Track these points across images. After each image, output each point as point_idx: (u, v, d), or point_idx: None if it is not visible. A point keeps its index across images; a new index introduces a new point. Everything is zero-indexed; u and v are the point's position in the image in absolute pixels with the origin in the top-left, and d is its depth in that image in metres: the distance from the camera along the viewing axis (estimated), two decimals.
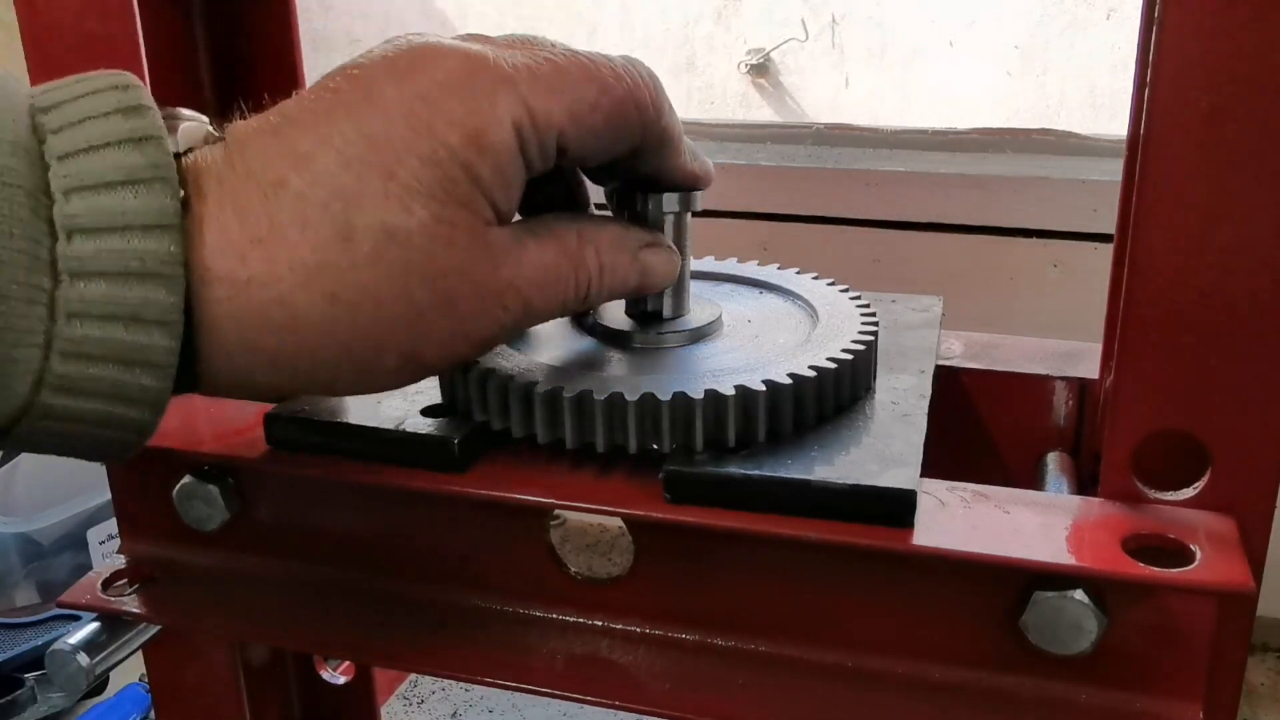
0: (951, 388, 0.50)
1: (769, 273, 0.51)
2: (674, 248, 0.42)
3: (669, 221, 0.43)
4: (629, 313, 0.45)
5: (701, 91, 1.34)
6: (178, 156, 0.33)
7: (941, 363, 0.49)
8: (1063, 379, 0.49)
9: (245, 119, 0.35)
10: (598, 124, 0.36)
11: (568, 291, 0.38)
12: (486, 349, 0.38)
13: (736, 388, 0.38)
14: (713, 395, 0.38)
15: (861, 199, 1.08)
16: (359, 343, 0.34)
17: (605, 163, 0.39)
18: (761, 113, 1.31)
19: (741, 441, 0.38)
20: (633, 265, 0.40)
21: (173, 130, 0.34)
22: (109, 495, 0.51)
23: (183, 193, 0.32)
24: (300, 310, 0.33)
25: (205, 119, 0.35)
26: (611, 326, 0.44)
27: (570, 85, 0.35)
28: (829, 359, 0.40)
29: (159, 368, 0.32)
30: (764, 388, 0.38)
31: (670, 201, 0.42)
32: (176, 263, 0.31)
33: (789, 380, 0.39)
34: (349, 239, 0.32)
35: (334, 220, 0.32)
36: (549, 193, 0.42)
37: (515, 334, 0.40)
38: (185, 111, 0.35)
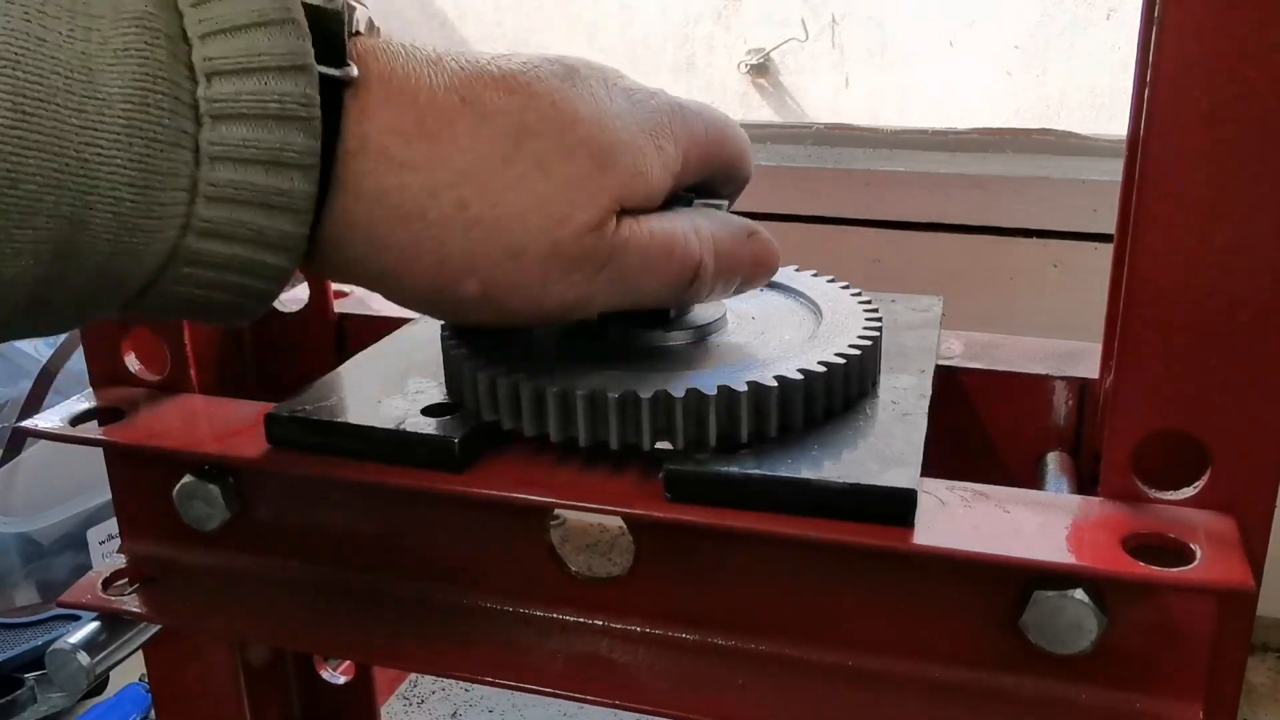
0: (951, 388, 0.50)
1: None
2: (770, 236, 0.43)
3: None
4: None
5: (701, 91, 1.34)
6: (354, 35, 0.34)
7: (941, 363, 0.49)
8: (1063, 379, 0.49)
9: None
10: (732, 166, 0.42)
11: (674, 270, 0.38)
12: (562, 315, 0.38)
13: (749, 383, 0.38)
14: (726, 391, 0.38)
15: (861, 199, 1.08)
16: (457, 257, 0.35)
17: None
18: (761, 113, 1.31)
19: (755, 437, 0.38)
20: (744, 248, 0.41)
21: (350, 8, 0.35)
22: (109, 495, 0.51)
23: (354, 67, 0.33)
24: (433, 212, 0.34)
25: (369, 10, 0.36)
26: (618, 326, 0.44)
27: (720, 135, 0.41)
28: (838, 354, 0.40)
29: (298, 213, 0.33)
30: (776, 384, 0.38)
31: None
32: (312, 104, 0.32)
33: (800, 376, 0.39)
34: (509, 159, 0.35)
35: (503, 143, 0.35)
36: None
37: (605, 303, 0.39)
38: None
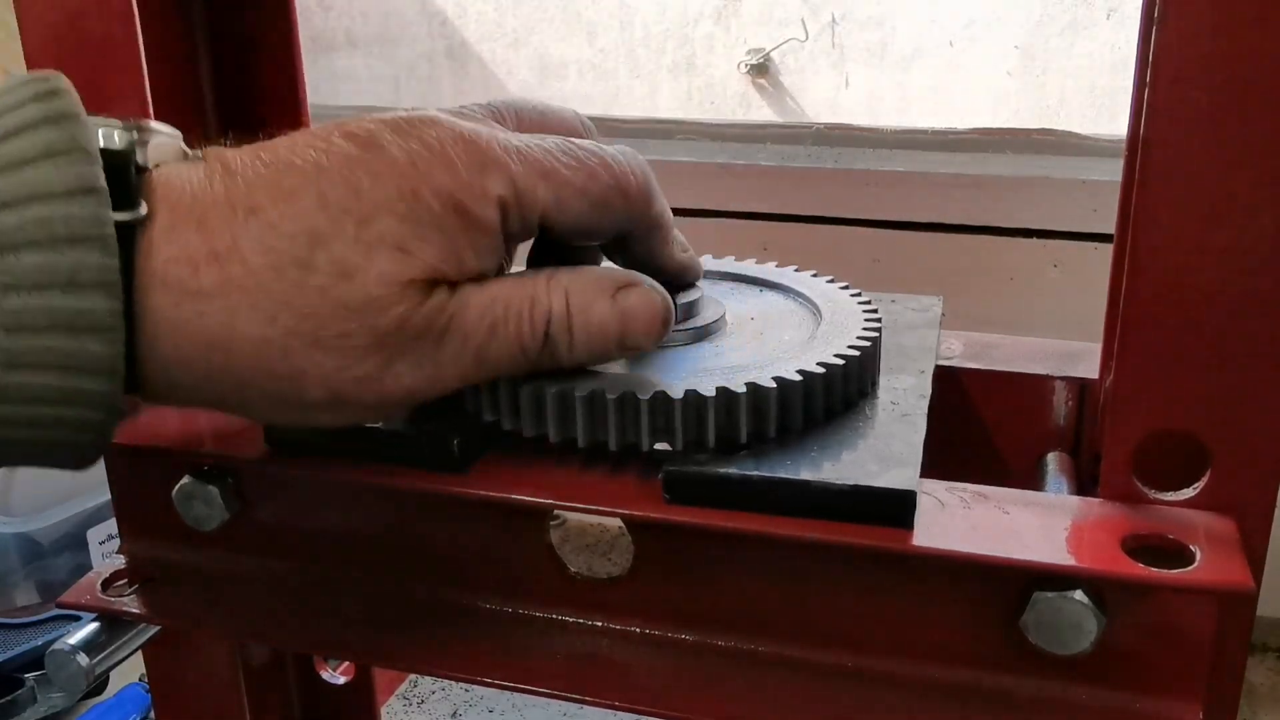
0: (951, 388, 0.50)
1: (769, 270, 0.51)
2: (660, 289, 0.39)
3: None
4: None
5: (701, 91, 1.34)
6: (143, 170, 0.34)
7: (941, 363, 0.49)
8: (1063, 379, 0.49)
9: (231, 147, 0.36)
10: (582, 208, 0.38)
11: (521, 331, 0.36)
12: (414, 400, 0.37)
13: (748, 385, 0.38)
14: (725, 393, 0.38)
15: (861, 199, 1.08)
16: (289, 372, 0.34)
17: (595, 241, 0.41)
18: (761, 113, 1.31)
19: (754, 438, 0.38)
20: (611, 308, 0.38)
21: (142, 144, 0.34)
22: (109, 495, 0.51)
23: (144, 205, 0.33)
24: (239, 332, 0.33)
25: (179, 133, 0.36)
26: None
27: (558, 170, 0.37)
28: (837, 355, 0.40)
29: (104, 331, 0.32)
30: (774, 385, 0.38)
31: None
32: (105, 224, 0.31)
33: (799, 377, 0.39)
34: (307, 269, 0.34)
35: (297, 251, 0.34)
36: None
37: (457, 378, 0.37)
38: (156, 124, 0.35)
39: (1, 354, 0.31)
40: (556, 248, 0.42)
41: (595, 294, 0.38)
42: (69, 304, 0.31)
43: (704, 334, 0.44)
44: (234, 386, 0.35)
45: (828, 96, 1.28)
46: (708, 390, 0.38)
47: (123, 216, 0.32)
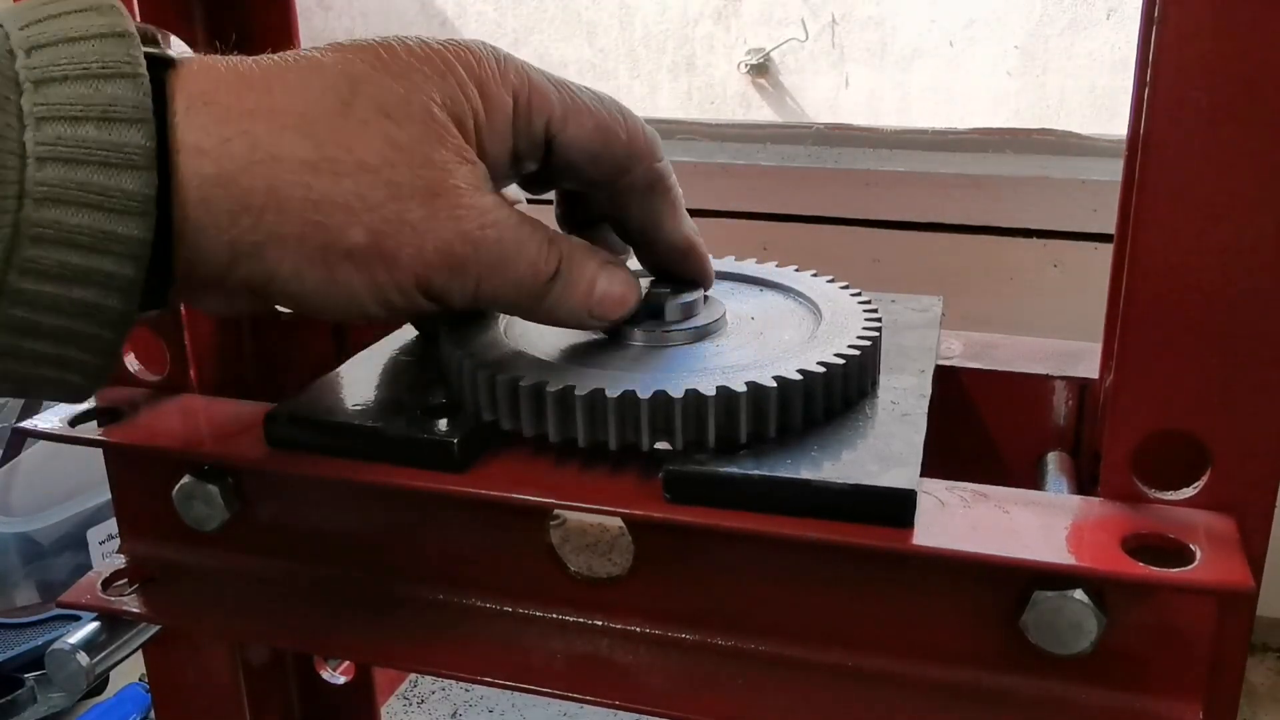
0: (951, 388, 0.50)
1: (769, 270, 0.51)
2: (636, 281, 0.42)
3: None
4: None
5: (701, 91, 1.34)
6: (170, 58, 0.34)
7: (941, 363, 0.49)
8: (1063, 379, 0.49)
9: None
10: (587, 127, 0.39)
11: (536, 261, 0.38)
12: (441, 273, 0.37)
13: (748, 384, 0.38)
14: (725, 392, 0.38)
15: (861, 199, 1.08)
16: (332, 201, 0.34)
17: (598, 179, 0.41)
18: (761, 113, 1.32)
19: (754, 438, 0.38)
20: (595, 274, 0.40)
21: (165, 36, 0.35)
22: (109, 495, 0.51)
23: (172, 53, 0.33)
24: (283, 151, 0.33)
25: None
26: (617, 324, 0.44)
27: (568, 86, 0.39)
28: (837, 355, 0.40)
29: (140, 170, 0.31)
30: (775, 384, 0.38)
31: None
32: (137, 63, 0.31)
33: (799, 376, 0.39)
34: (348, 104, 0.34)
35: (338, 87, 0.34)
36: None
37: (469, 282, 0.37)
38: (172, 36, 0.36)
39: (36, 186, 0.30)
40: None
41: (587, 257, 0.40)
42: (105, 136, 0.30)
43: (704, 333, 0.44)
44: (274, 220, 0.34)
45: (828, 96, 1.28)
46: (708, 390, 0.38)
47: (154, 50, 0.33)
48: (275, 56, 0.35)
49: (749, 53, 1.30)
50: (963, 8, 1.20)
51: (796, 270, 0.50)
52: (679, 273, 0.45)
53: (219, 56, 0.35)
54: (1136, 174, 0.35)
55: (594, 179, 0.42)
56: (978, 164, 1.10)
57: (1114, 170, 0.56)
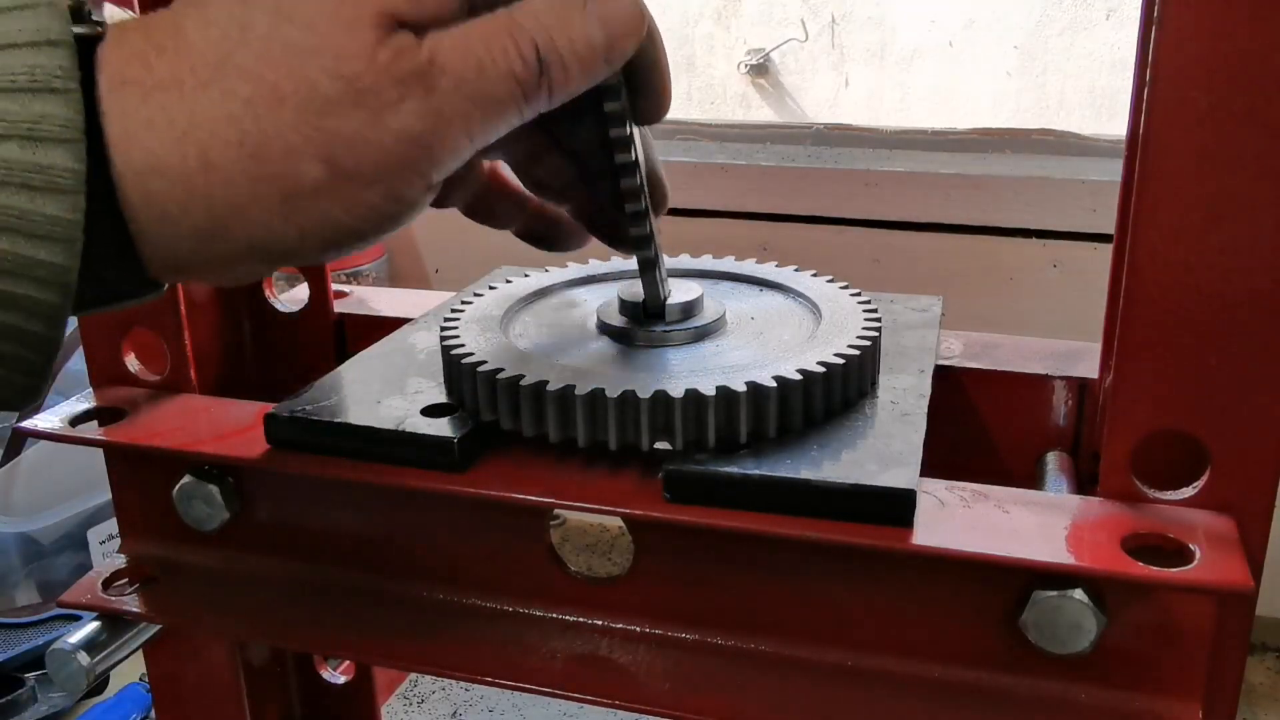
0: (951, 387, 0.50)
1: (769, 270, 0.51)
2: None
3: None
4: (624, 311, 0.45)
5: (701, 91, 1.34)
6: (100, 22, 0.32)
7: (941, 362, 0.49)
8: (1063, 379, 0.49)
9: None
10: None
11: (512, 62, 0.33)
12: (427, 155, 0.33)
13: (748, 384, 0.38)
14: (725, 392, 0.38)
15: (861, 199, 1.08)
16: (269, 145, 0.31)
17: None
18: (761, 113, 1.32)
19: (754, 437, 0.38)
20: (588, 18, 0.34)
21: (97, 5, 0.33)
22: (109, 495, 0.51)
23: (96, 30, 0.31)
24: (199, 111, 0.31)
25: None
26: (615, 324, 0.44)
27: None
28: (836, 354, 0.40)
29: (66, 194, 0.29)
30: (775, 384, 0.38)
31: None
32: (70, 78, 0.29)
33: (799, 376, 0.39)
34: (245, 27, 0.31)
35: (234, 14, 0.31)
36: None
37: (462, 131, 0.33)
38: (116, 5, 0.35)
39: None
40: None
41: (567, 8, 0.34)
42: (28, 158, 0.29)
43: (704, 333, 0.44)
44: (223, 193, 0.31)
45: (828, 96, 1.28)
46: (708, 389, 0.38)
47: (84, 29, 0.31)
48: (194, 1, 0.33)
49: (749, 53, 1.30)
50: (963, 8, 1.20)
51: (796, 270, 0.50)
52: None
53: (142, 18, 0.32)
54: (1136, 174, 0.35)
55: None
56: (978, 164, 1.10)
57: (1114, 170, 0.56)
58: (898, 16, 1.23)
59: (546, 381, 0.39)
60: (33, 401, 0.33)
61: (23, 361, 0.31)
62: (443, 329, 0.44)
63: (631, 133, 0.39)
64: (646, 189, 0.41)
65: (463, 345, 0.42)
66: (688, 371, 0.40)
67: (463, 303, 0.48)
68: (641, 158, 0.41)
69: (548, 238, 0.48)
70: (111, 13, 0.34)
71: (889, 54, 1.24)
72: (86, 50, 0.31)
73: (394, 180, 0.33)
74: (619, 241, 0.44)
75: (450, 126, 0.33)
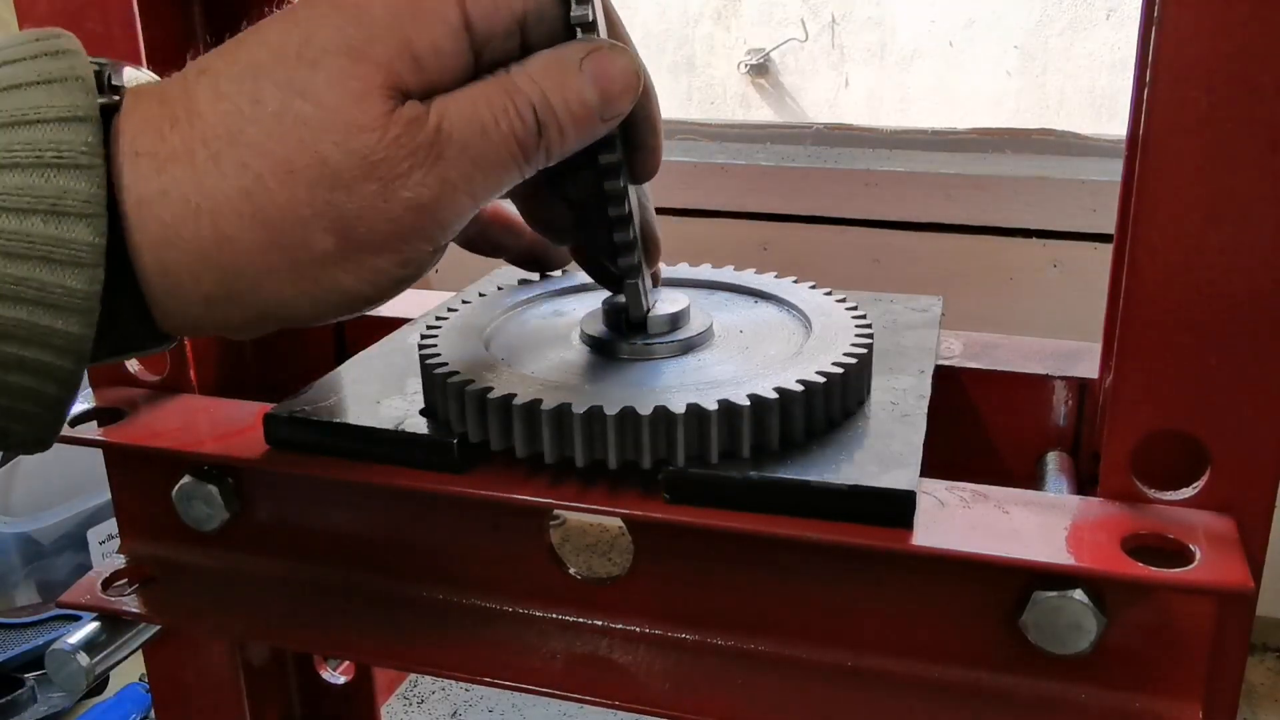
0: (951, 388, 0.50)
1: (764, 281, 0.50)
2: (618, 43, 0.36)
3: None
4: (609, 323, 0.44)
5: (701, 91, 1.34)
6: (119, 89, 0.33)
7: (941, 363, 0.49)
8: (1063, 379, 0.49)
9: None
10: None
11: (512, 124, 0.34)
12: (435, 221, 0.34)
13: (719, 402, 0.37)
14: (695, 409, 0.37)
15: (861, 199, 1.08)
16: (281, 218, 0.32)
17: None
18: (761, 113, 1.32)
19: (726, 455, 0.38)
20: (583, 78, 0.35)
21: (117, 70, 0.34)
22: (109, 495, 0.51)
23: (117, 100, 0.32)
24: (211, 184, 0.32)
25: (158, 78, 0.36)
26: (599, 337, 0.43)
27: None
28: (819, 372, 0.39)
29: (85, 267, 0.30)
30: (748, 402, 0.37)
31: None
32: (94, 154, 0.30)
33: (774, 395, 0.38)
34: (257, 101, 0.32)
35: (244, 89, 0.32)
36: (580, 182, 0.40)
37: (468, 194, 0.34)
38: (138, 69, 0.35)
39: None
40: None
41: (563, 70, 0.35)
42: (50, 232, 0.30)
43: (689, 346, 0.43)
44: (235, 263, 0.32)
45: (827, 96, 1.28)
46: (677, 408, 0.37)
47: (102, 100, 0.32)
48: (201, 64, 0.33)
49: (749, 53, 1.30)
50: (963, 8, 1.20)
51: (794, 282, 0.49)
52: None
53: (158, 84, 0.33)
54: (1136, 174, 0.35)
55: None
56: (978, 164, 1.10)
57: (1114, 170, 0.56)
58: (898, 16, 1.23)
59: (539, 400, 0.38)
60: (43, 449, 0.34)
61: (37, 419, 0.32)
62: (422, 339, 0.44)
63: (625, 186, 0.39)
64: (640, 243, 0.41)
65: (446, 364, 0.41)
66: (664, 387, 0.40)
67: (449, 310, 0.48)
68: (636, 211, 0.41)
69: (540, 261, 0.50)
70: (131, 75, 0.34)
71: (889, 54, 1.24)
72: (106, 120, 0.32)
73: (403, 247, 0.34)
74: (614, 288, 0.44)
75: (456, 191, 0.33)
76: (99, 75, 0.33)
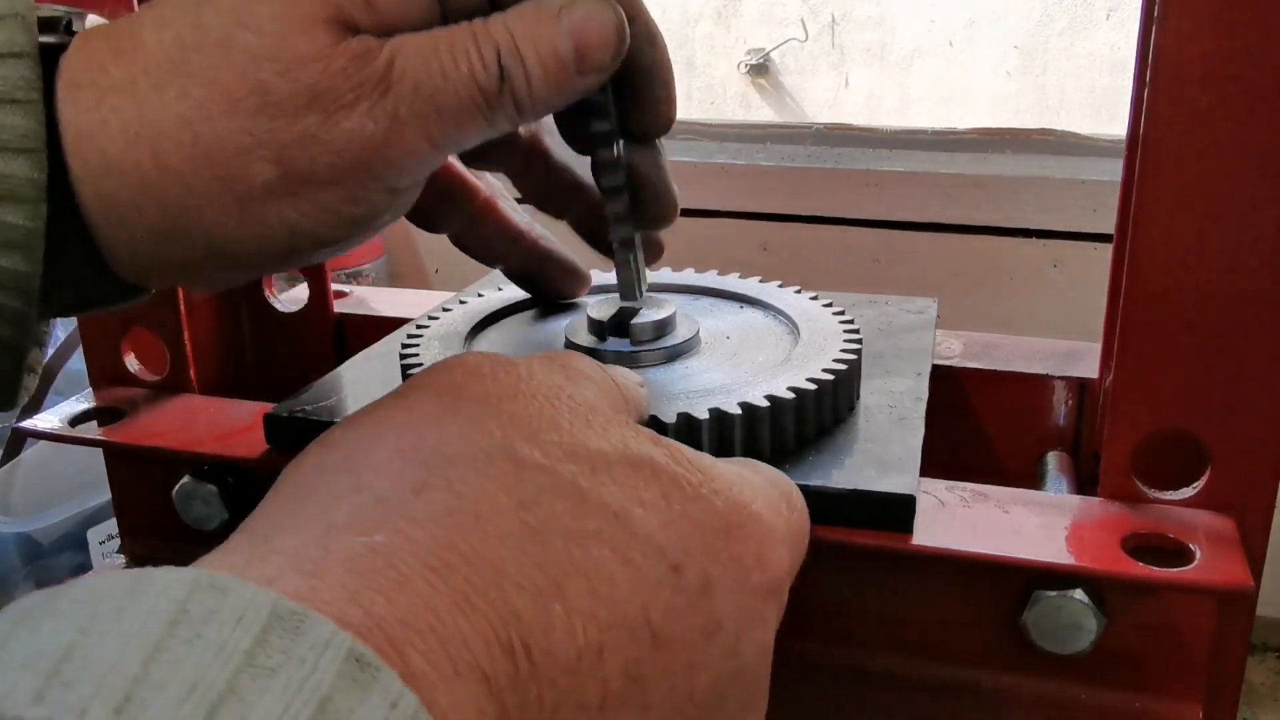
0: (951, 388, 0.50)
1: (753, 286, 0.50)
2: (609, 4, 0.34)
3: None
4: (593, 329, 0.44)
5: (701, 91, 1.34)
6: (74, 32, 0.33)
7: (941, 363, 0.49)
8: (1063, 379, 0.49)
9: None
10: None
11: (473, 67, 0.32)
12: (381, 158, 0.32)
13: (740, 405, 0.37)
14: (717, 413, 0.37)
15: (861, 199, 1.08)
16: (220, 146, 0.31)
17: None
18: (761, 113, 1.32)
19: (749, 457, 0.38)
20: (560, 29, 0.33)
21: (79, 16, 0.33)
22: (109, 495, 0.51)
23: (66, 40, 0.31)
24: (152, 113, 0.31)
25: None
26: (585, 344, 0.43)
27: None
28: (810, 379, 0.39)
29: (26, 203, 0.30)
30: (740, 410, 0.37)
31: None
32: (32, 89, 0.30)
33: (766, 403, 0.38)
34: (200, 29, 0.31)
35: (188, 17, 0.31)
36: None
37: (421, 135, 0.32)
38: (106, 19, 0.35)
39: None
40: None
41: (539, 19, 0.33)
42: None
43: (676, 353, 0.43)
44: (177, 194, 0.31)
45: (827, 96, 1.28)
46: (668, 418, 0.37)
47: (48, 39, 0.31)
48: (153, 3, 0.33)
49: (749, 53, 1.30)
50: (963, 8, 1.20)
51: (779, 286, 0.49)
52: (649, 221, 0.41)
53: (108, 24, 0.33)
54: (1136, 174, 0.35)
55: None
56: (978, 164, 1.10)
57: (1114, 170, 0.56)
58: (898, 16, 1.23)
59: None
60: (8, 407, 0.33)
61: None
62: (403, 348, 0.44)
63: (619, 155, 0.38)
64: (629, 212, 0.40)
65: (422, 366, 0.41)
66: (653, 395, 0.39)
67: (429, 318, 0.47)
68: (651, 172, 0.40)
69: (537, 281, 0.48)
70: (95, 21, 0.34)
71: (889, 54, 1.24)
72: (52, 60, 0.31)
73: (349, 183, 0.32)
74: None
75: (406, 129, 0.32)
76: (57, 20, 0.32)
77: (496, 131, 0.34)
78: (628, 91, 0.37)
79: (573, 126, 0.39)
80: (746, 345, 0.44)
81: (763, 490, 0.29)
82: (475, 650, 0.21)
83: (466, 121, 0.33)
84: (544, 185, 0.44)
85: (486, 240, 0.46)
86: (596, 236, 0.45)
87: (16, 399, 0.33)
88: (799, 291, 0.48)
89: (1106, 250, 0.45)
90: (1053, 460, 0.49)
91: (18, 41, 0.30)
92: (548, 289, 0.49)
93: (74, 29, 0.33)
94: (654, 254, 0.44)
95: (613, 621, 0.23)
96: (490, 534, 0.23)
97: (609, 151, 0.38)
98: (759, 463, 0.32)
